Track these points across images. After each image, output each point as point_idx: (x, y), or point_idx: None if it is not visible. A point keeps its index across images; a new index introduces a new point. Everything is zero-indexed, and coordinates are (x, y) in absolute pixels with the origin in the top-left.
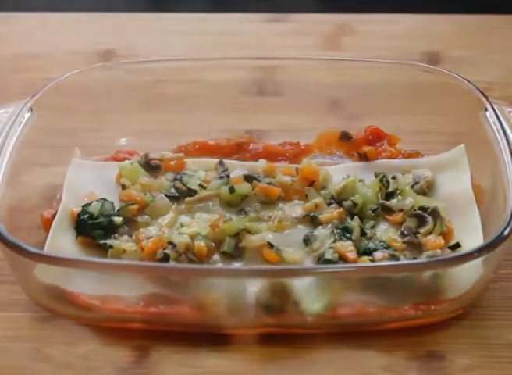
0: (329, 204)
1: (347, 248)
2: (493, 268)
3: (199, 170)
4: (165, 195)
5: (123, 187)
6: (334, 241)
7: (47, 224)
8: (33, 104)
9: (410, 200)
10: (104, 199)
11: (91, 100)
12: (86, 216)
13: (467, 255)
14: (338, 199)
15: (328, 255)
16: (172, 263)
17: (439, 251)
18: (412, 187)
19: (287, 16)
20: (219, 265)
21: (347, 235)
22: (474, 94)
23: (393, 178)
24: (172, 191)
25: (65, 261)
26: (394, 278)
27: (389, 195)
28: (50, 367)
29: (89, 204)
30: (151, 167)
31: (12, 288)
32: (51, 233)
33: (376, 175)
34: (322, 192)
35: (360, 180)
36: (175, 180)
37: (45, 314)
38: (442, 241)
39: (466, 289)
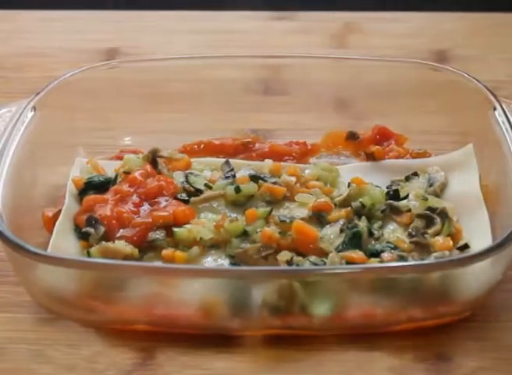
0: (335, 205)
1: (356, 253)
2: (502, 269)
3: (205, 170)
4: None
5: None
6: (343, 243)
7: (48, 223)
8: (37, 103)
9: (419, 201)
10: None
11: (95, 99)
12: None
13: (475, 256)
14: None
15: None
16: (175, 264)
17: (447, 252)
18: (426, 190)
19: (293, 14)
20: (222, 263)
21: (357, 240)
22: (483, 93)
23: (407, 179)
24: (183, 194)
25: (68, 261)
26: (402, 279)
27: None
28: (53, 369)
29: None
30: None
31: (15, 289)
32: (54, 234)
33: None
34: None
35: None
36: (182, 182)
37: (49, 315)
38: (451, 242)
39: (474, 290)
